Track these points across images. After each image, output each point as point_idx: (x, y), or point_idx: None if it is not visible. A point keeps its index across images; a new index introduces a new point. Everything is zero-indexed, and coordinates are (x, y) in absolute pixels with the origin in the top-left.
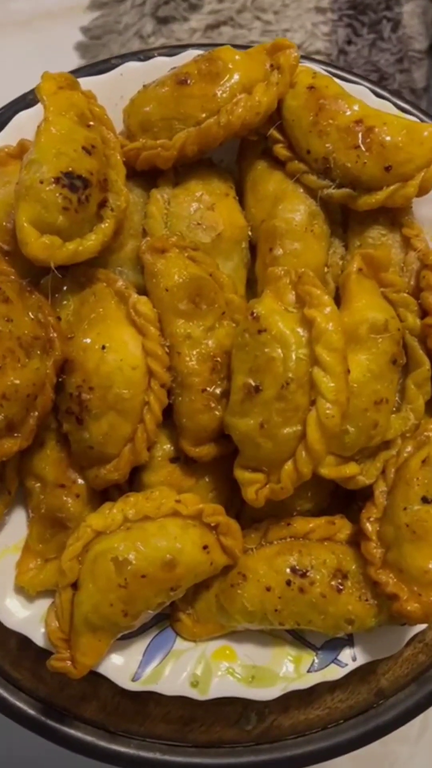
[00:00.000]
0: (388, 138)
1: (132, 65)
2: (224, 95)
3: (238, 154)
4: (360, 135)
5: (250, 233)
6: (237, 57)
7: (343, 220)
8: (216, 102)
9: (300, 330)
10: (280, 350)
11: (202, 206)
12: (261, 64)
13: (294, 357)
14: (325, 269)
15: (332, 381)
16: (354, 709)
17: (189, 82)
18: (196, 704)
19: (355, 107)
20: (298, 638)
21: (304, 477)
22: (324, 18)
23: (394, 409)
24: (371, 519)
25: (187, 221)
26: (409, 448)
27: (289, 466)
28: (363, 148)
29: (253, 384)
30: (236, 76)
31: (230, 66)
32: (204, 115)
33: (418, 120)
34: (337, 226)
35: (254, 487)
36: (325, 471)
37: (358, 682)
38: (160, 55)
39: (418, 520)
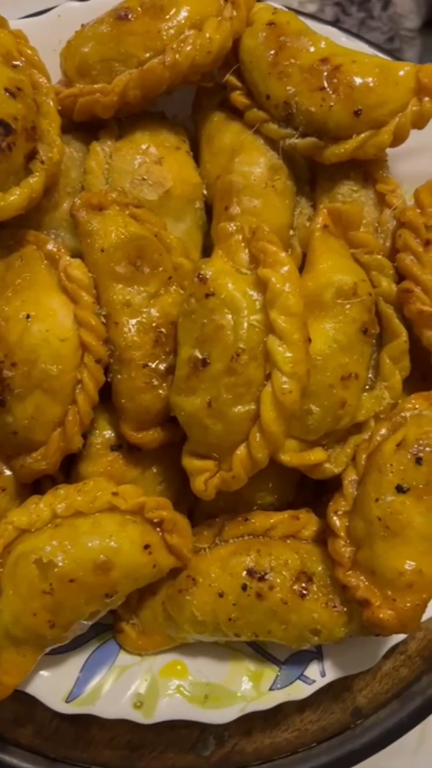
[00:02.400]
0: (357, 78)
1: (71, 5)
2: (170, 32)
3: (193, 105)
4: (325, 75)
5: (205, 192)
6: None
7: (312, 178)
8: (161, 40)
9: (253, 293)
10: (229, 317)
11: (149, 160)
12: None
13: (245, 324)
14: (291, 232)
15: (289, 351)
16: (327, 731)
17: (130, 17)
18: (146, 728)
19: (321, 44)
20: (260, 651)
21: (259, 464)
22: None
23: (367, 386)
24: (339, 513)
25: (130, 176)
26: (383, 431)
27: (241, 451)
28: (329, 90)
29: (199, 356)
30: (184, 11)
31: None
32: (147, 54)
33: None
34: (305, 185)
35: (203, 477)
36: (286, 458)
37: (331, 700)
38: None
39: (391, 513)
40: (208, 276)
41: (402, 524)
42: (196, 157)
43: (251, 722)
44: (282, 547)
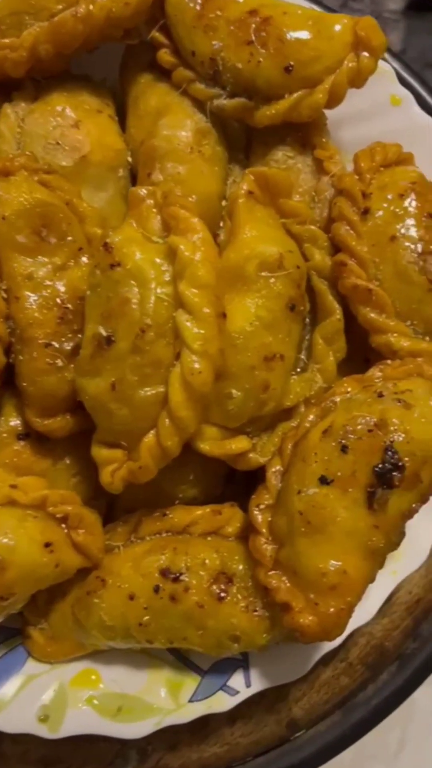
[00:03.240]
0: (288, 31)
1: None
2: None
3: (120, 66)
4: (253, 28)
5: (131, 159)
6: None
7: (248, 145)
8: None
9: (163, 263)
10: (136, 289)
11: (64, 123)
12: None
13: (153, 298)
14: (223, 203)
15: (198, 326)
16: (261, 745)
17: None
18: (60, 741)
19: None
20: (181, 659)
21: (169, 453)
22: None
23: (299, 369)
24: (262, 507)
25: (43, 141)
26: (311, 417)
27: (149, 438)
28: (257, 45)
29: (104, 334)
30: None
31: None
32: (60, 6)
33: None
34: (239, 152)
35: (110, 468)
36: (205, 446)
37: (264, 711)
38: None
39: (313, 507)
40: (114, 244)
41: (325, 519)
42: (125, 123)
43: (176, 735)
44: (201, 545)
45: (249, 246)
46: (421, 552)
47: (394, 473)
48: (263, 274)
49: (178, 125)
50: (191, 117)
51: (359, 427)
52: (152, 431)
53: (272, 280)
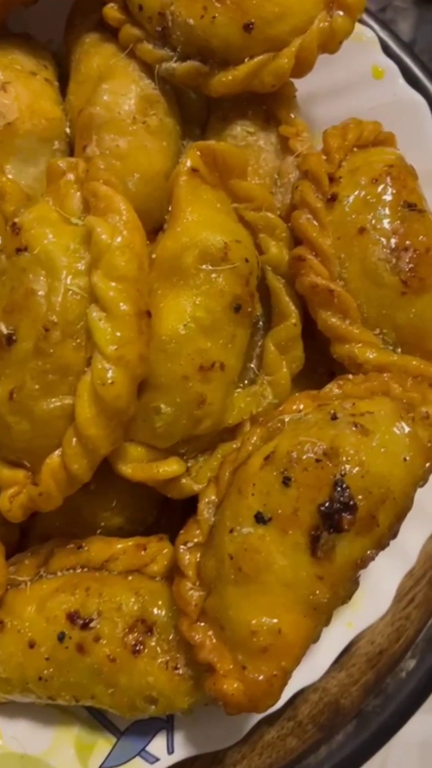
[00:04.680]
0: None
1: None
2: None
3: (66, 25)
4: None
5: (68, 131)
6: None
7: (204, 119)
8: None
9: (79, 250)
10: (43, 279)
11: None
12: None
13: (62, 289)
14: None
15: (114, 326)
16: None
17: None
18: None
19: None
20: (96, 715)
21: (76, 478)
22: None
23: (245, 381)
24: (190, 545)
25: None
26: (254, 439)
27: (53, 459)
28: None
29: (4, 331)
30: None
31: None
32: None
33: None
34: (195, 127)
35: (10, 491)
36: (128, 469)
37: None
38: None
39: (246, 551)
40: (23, 225)
41: (259, 566)
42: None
43: None
44: (119, 586)
45: (188, 233)
46: (383, 599)
47: (344, 514)
48: (204, 267)
49: (120, 91)
50: (136, 82)
51: (306, 455)
52: (58, 451)
53: (214, 275)
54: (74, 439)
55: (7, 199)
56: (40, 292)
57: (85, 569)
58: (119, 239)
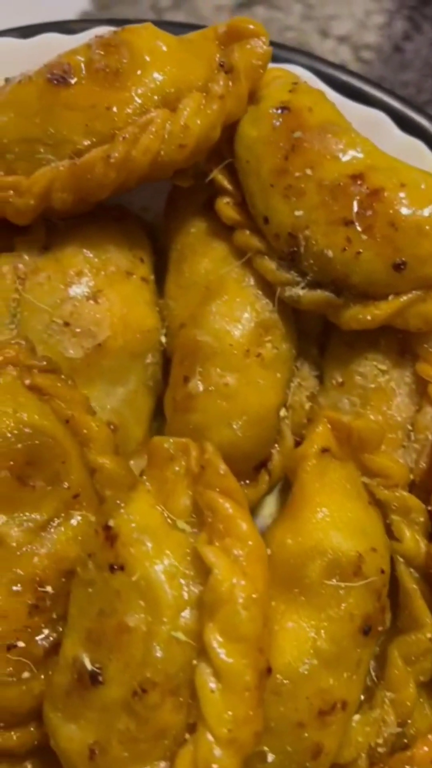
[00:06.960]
0: (405, 211)
1: (6, 42)
2: (127, 110)
3: (167, 205)
4: (357, 201)
5: (164, 339)
6: (160, 43)
7: (323, 332)
8: (111, 121)
9: (187, 570)
10: (143, 615)
11: (80, 293)
12: (205, 58)
13: (165, 636)
14: (282, 412)
15: (229, 704)
16: None
17: (71, 80)
18: None
19: (356, 151)
20: None
21: None
22: (379, 6)
23: (362, 697)
24: None
25: (47, 318)
26: None
27: None
28: (358, 227)
29: (87, 666)
30: (153, 78)
31: (147, 58)
32: (88, 142)
33: None
34: (311, 344)
35: None
36: None
37: None
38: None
39: None
40: (119, 531)
41: None
42: (164, 279)
43: None
44: None
45: (315, 534)
46: None
47: None
48: (332, 582)
49: (233, 316)
50: (252, 305)
51: None
52: None
53: (342, 591)
54: None
55: (93, 447)
56: (136, 632)
57: None
58: (242, 585)
